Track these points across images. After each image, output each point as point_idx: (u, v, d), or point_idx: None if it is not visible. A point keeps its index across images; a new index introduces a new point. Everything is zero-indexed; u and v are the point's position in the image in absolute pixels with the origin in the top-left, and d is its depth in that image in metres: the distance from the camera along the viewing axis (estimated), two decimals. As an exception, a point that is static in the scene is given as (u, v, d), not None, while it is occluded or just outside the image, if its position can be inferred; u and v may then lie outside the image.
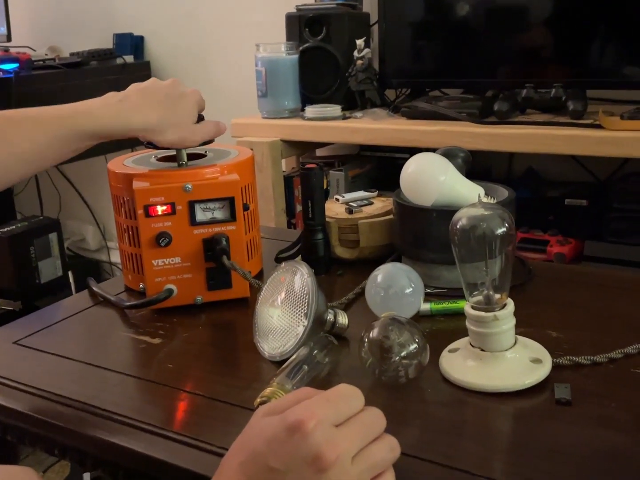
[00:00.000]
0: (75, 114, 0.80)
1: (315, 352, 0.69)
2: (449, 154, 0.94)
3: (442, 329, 0.80)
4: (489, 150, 1.40)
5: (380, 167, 1.73)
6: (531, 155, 1.65)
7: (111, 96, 0.83)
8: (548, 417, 0.61)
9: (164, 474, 0.60)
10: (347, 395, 0.52)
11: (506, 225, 0.66)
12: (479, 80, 1.59)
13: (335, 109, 1.58)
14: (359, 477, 0.49)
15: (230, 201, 0.83)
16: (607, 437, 0.58)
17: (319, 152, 1.78)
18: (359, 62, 1.59)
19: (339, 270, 0.97)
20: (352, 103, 1.66)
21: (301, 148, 1.69)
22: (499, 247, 0.66)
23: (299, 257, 0.98)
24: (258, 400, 0.61)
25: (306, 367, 0.67)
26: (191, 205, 0.82)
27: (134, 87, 0.84)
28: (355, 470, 0.48)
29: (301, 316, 0.71)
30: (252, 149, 0.98)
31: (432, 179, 0.87)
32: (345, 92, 1.65)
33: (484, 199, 0.83)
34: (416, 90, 1.69)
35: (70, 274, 2.01)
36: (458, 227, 0.66)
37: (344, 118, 1.58)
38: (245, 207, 0.86)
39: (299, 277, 0.73)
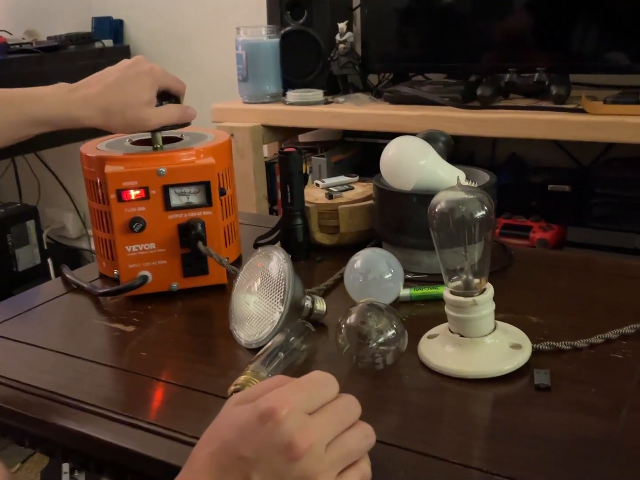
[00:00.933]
0: (26, 99, 0.80)
1: (292, 338, 0.67)
2: (430, 137, 0.92)
3: (421, 315, 0.78)
4: (472, 136, 1.39)
5: (363, 152, 1.72)
6: (514, 141, 1.64)
7: (63, 86, 0.83)
8: (527, 403, 0.61)
9: (135, 465, 0.58)
10: (321, 383, 0.51)
11: (486, 208, 0.64)
12: (462, 65, 1.57)
13: (317, 94, 1.56)
14: (333, 465, 0.47)
15: (206, 186, 0.81)
16: (586, 422, 0.57)
17: (302, 138, 1.75)
18: (341, 46, 1.56)
19: (318, 257, 0.95)
20: (335, 88, 1.64)
21: (283, 133, 1.66)
22: (478, 231, 0.64)
23: (278, 243, 0.96)
24: (232, 388, 0.59)
25: (282, 354, 0.65)
26: (165, 190, 0.80)
27: (94, 74, 0.83)
28: (328, 458, 0.47)
29: (277, 302, 0.70)
30: (232, 135, 0.96)
31: (413, 162, 0.86)
32: (327, 76, 1.63)
33: (465, 183, 0.82)
34: (399, 74, 1.67)
35: (50, 262, 1.98)
36: (436, 210, 0.65)
37: (326, 103, 1.56)
38: (222, 192, 0.84)
39: (276, 263, 0.72)
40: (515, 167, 1.59)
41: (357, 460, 0.49)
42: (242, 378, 0.60)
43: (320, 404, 0.49)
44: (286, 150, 0.91)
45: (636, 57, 1.37)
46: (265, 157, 1.66)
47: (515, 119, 1.31)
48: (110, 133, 0.88)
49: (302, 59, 1.63)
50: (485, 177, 0.91)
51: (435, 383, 0.64)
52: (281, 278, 0.70)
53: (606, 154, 1.51)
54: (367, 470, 0.50)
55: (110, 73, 0.83)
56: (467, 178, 0.90)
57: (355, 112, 1.48)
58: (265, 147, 1.64)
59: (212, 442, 0.48)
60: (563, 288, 0.83)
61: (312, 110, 1.53)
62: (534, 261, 0.92)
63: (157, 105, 0.83)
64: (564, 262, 0.92)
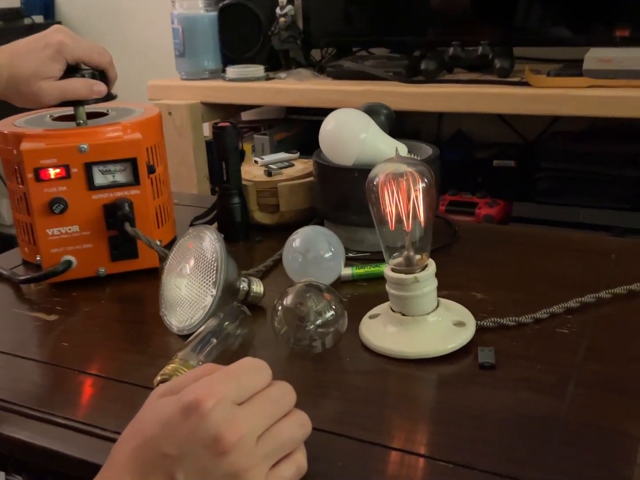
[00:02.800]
0: None
1: (226, 323, 0.63)
2: (371, 110, 0.89)
3: (364, 295, 0.75)
4: (417, 111, 1.37)
5: (308, 130, 1.67)
6: (460, 117, 1.62)
7: None
8: (472, 382, 0.58)
9: (53, 464, 0.53)
10: (251, 370, 0.47)
11: (426, 181, 0.61)
12: (406, 39, 1.54)
13: (258, 69, 1.51)
14: (265, 458, 0.44)
15: (133, 163, 0.76)
16: (532, 400, 0.55)
17: (245, 116, 1.70)
18: (282, 19, 1.51)
19: (258, 237, 0.91)
20: (276, 64, 1.59)
21: (224, 111, 1.61)
22: (419, 205, 0.61)
23: (216, 224, 0.92)
24: (158, 378, 0.55)
25: (215, 340, 0.61)
26: (88, 168, 0.74)
27: (14, 42, 0.77)
28: (260, 451, 0.44)
29: (209, 285, 0.66)
30: (170, 112, 0.90)
31: (353, 136, 0.82)
32: (268, 52, 1.57)
33: (405, 155, 0.79)
34: (342, 50, 1.63)
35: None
36: (374, 184, 0.61)
37: (268, 79, 1.51)
38: (151, 170, 0.79)
39: (207, 243, 0.67)
40: (461, 143, 1.57)
41: (291, 451, 0.46)
42: (169, 367, 0.56)
43: (251, 393, 0.46)
44: (220, 125, 0.86)
45: (578, 30, 1.36)
46: (206, 137, 1.60)
47: (459, 93, 1.29)
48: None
49: (241, 33, 1.57)
50: (428, 150, 0.88)
51: (376, 365, 0.62)
52: (213, 259, 0.66)
53: (551, 128, 1.50)
54: (303, 461, 0.46)
55: (24, 43, 0.77)
56: (410, 152, 0.87)
57: (298, 87, 1.44)
58: (205, 125, 1.58)
59: (134, 438, 0.44)
60: (508, 263, 0.81)
61: (253, 87, 1.48)
62: (478, 237, 0.90)
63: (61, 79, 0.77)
64: (508, 237, 0.91)
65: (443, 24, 1.53)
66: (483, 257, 0.83)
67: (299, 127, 1.67)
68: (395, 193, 0.61)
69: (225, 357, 0.60)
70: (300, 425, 0.47)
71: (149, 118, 0.82)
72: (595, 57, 1.21)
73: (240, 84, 1.49)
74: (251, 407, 0.45)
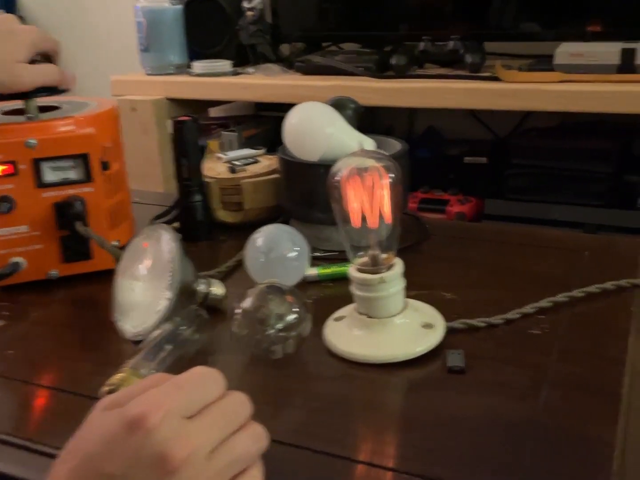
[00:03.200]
0: None
1: (183, 328, 0.60)
2: (339, 104, 0.86)
3: (330, 296, 0.72)
4: (389, 108, 1.34)
5: (277, 127, 1.62)
6: (431, 114, 1.60)
7: None
8: (441, 387, 0.55)
9: (-8, 484, 0.49)
10: (203, 380, 0.44)
11: (392, 176, 0.58)
12: (376, 34, 1.51)
13: (225, 64, 1.47)
14: (218, 476, 0.41)
15: (85, 159, 0.72)
16: (503, 404, 0.52)
17: (213, 113, 1.66)
18: (249, 13, 1.47)
19: (221, 236, 0.88)
20: (244, 59, 1.55)
21: (191, 107, 1.56)
22: (385, 202, 0.58)
23: (177, 222, 0.88)
24: (105, 389, 0.51)
25: (169, 346, 0.57)
26: (37, 164, 0.70)
27: None
28: (212, 468, 0.40)
29: (164, 288, 0.62)
30: (134, 108, 0.86)
31: (319, 131, 0.79)
32: (236, 47, 1.53)
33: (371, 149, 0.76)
34: (311, 44, 1.60)
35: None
36: (337, 179, 0.58)
37: (235, 74, 1.47)
38: (105, 166, 0.75)
39: (163, 243, 0.64)
40: (432, 140, 1.55)
41: (247, 467, 0.42)
42: (117, 377, 0.52)
43: (202, 405, 0.42)
44: (180, 118, 0.82)
45: (549, 25, 1.34)
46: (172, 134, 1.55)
47: (430, 88, 1.27)
48: None
49: (208, 28, 1.53)
50: (397, 146, 0.86)
51: (341, 370, 0.58)
52: (167, 260, 0.62)
53: (522, 125, 1.49)
54: (259, 478, 0.43)
55: None
56: (379, 147, 0.84)
57: (266, 83, 1.40)
58: (170, 122, 1.54)
59: (74, 457, 0.40)
60: (479, 261, 0.78)
61: (220, 82, 1.44)
62: (448, 234, 0.87)
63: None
64: (479, 234, 0.88)
65: (414, 19, 1.50)
66: (453, 256, 0.80)
67: (269, 124, 1.63)
68: (359, 189, 0.58)
69: (181, 364, 0.57)
70: (256, 438, 0.43)
71: (103, 112, 0.78)
72: (567, 51, 1.19)
73: (206, 79, 1.45)
74: (202, 421, 0.41)
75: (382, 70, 1.38)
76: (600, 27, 1.25)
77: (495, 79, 1.23)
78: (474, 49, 1.32)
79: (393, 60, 1.36)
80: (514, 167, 1.33)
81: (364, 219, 0.59)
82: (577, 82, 1.16)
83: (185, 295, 0.64)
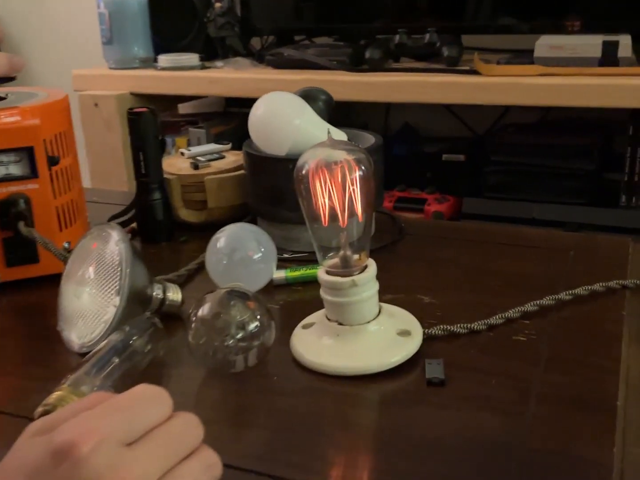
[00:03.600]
0: None
1: (134, 338, 0.54)
2: (308, 95, 0.80)
3: (299, 300, 0.67)
4: (364, 103, 1.29)
5: (247, 124, 1.57)
6: (407, 110, 1.56)
7: None
8: (418, 401, 0.50)
9: None
10: (145, 400, 0.38)
11: (363, 169, 0.53)
12: (349, 27, 1.46)
13: (192, 58, 1.41)
14: (162, 513, 0.35)
15: (29, 152, 0.65)
16: (486, 421, 0.47)
17: (182, 109, 1.59)
18: (218, 5, 1.41)
19: (183, 237, 0.82)
20: (213, 52, 1.49)
21: (158, 103, 1.48)
22: (356, 198, 0.53)
23: (135, 223, 0.82)
24: (39, 409, 0.45)
25: (117, 359, 0.51)
26: (-26, 158, 0.64)
27: None
28: (155, 503, 0.34)
29: (112, 294, 0.56)
30: (96, 104, 0.80)
31: (286, 122, 0.74)
32: (204, 39, 1.47)
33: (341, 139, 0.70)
34: (283, 38, 1.54)
35: None
36: (304, 173, 0.53)
37: (203, 68, 1.41)
38: (53, 161, 0.69)
39: (111, 244, 0.58)
40: (409, 137, 1.50)
41: (197, 500, 0.37)
42: (54, 395, 0.46)
43: (144, 430, 0.36)
44: (136, 110, 0.76)
45: (528, 17, 1.30)
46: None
47: (406, 82, 1.22)
48: None
49: (175, 20, 1.47)
50: (371, 139, 0.80)
51: (309, 383, 0.53)
52: (116, 263, 0.56)
53: (501, 121, 1.45)
54: (211, 512, 0.37)
55: None
56: (352, 141, 0.79)
57: (235, 77, 1.34)
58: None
59: (-5, 490, 0.34)
60: (458, 262, 0.73)
61: (187, 76, 1.37)
62: (425, 234, 0.82)
63: None
64: (458, 233, 0.83)
65: (389, 11, 1.45)
66: (431, 256, 0.75)
67: (238, 121, 1.57)
68: (327, 183, 0.52)
69: (132, 378, 0.51)
70: (206, 466, 0.38)
71: (51, 102, 0.72)
72: (547, 44, 1.15)
73: (173, 73, 1.39)
74: (144, 448, 0.35)
75: (356, 64, 1.33)
76: (580, 19, 1.21)
77: (473, 72, 1.19)
78: (451, 42, 1.27)
79: (367, 54, 1.31)
80: (493, 164, 1.29)
81: (333, 216, 0.53)
82: (558, 75, 1.12)
83: (137, 302, 0.58)
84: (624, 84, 1.06)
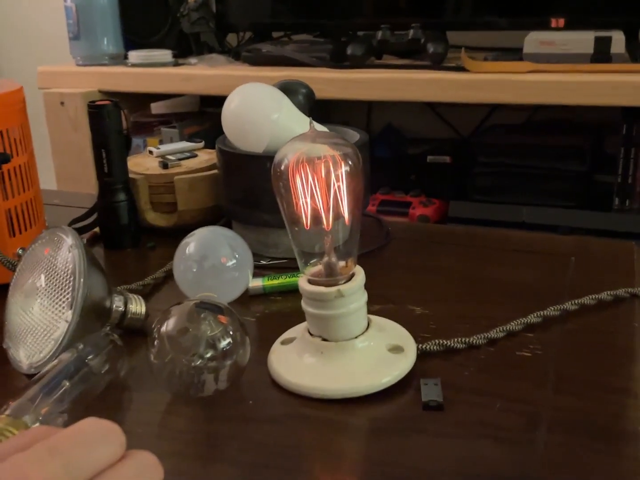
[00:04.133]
0: None
1: (89, 357, 0.47)
2: (287, 89, 0.74)
3: (277, 312, 0.61)
4: (344, 100, 1.23)
5: (223, 125, 1.51)
6: (390, 110, 1.50)
7: None
8: (413, 429, 0.44)
9: None
10: (91, 439, 0.31)
11: (351, 164, 0.47)
12: (330, 23, 1.40)
13: (165, 54, 1.34)
14: None
15: (-27, 148, 0.58)
16: (490, 453, 0.41)
17: (154, 109, 1.52)
18: (192, -1, 1.35)
19: (150, 242, 0.75)
20: (187, 49, 1.42)
21: (129, 102, 1.42)
22: (342, 197, 0.47)
23: (97, 228, 0.75)
24: (-30, 446, 0.38)
25: (68, 382, 0.45)
26: None
27: None
28: None
29: (64, 307, 0.49)
30: (62, 102, 0.73)
31: (263, 117, 0.67)
32: (177, 35, 1.40)
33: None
34: (260, 34, 1.47)
35: None
36: (283, 168, 0.47)
37: (176, 65, 1.34)
38: (3, 159, 0.62)
39: (63, 250, 0.51)
40: (392, 139, 1.45)
41: None
42: (-11, 429, 0.39)
43: (90, 474, 0.30)
44: (98, 103, 0.69)
45: (513, 13, 1.25)
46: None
47: (390, 78, 1.16)
48: None
49: (146, 14, 1.40)
50: (355, 136, 0.74)
51: (289, 409, 0.47)
52: (68, 272, 0.49)
53: (486, 122, 1.40)
54: None
55: None
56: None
57: (210, 73, 1.28)
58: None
59: None
60: (450, 269, 0.68)
61: (159, 73, 1.30)
62: (414, 238, 0.76)
63: None
64: (448, 238, 0.77)
65: (371, 6, 1.40)
66: (421, 263, 0.69)
67: (214, 121, 1.50)
68: (310, 180, 0.46)
69: (84, 405, 0.44)
70: (168, 518, 0.31)
71: (2, 94, 0.65)
72: (536, 39, 1.10)
73: (144, 70, 1.32)
74: (89, 497, 0.29)
75: (337, 61, 1.27)
76: (568, 16, 1.17)
77: (460, 69, 1.13)
78: (436, 38, 1.22)
79: (349, 51, 1.25)
80: (480, 166, 1.24)
81: (316, 218, 0.47)
82: (548, 72, 1.07)
83: (93, 316, 0.51)
84: (617, 81, 1.02)
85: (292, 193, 0.47)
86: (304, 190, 0.46)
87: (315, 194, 0.47)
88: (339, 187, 0.47)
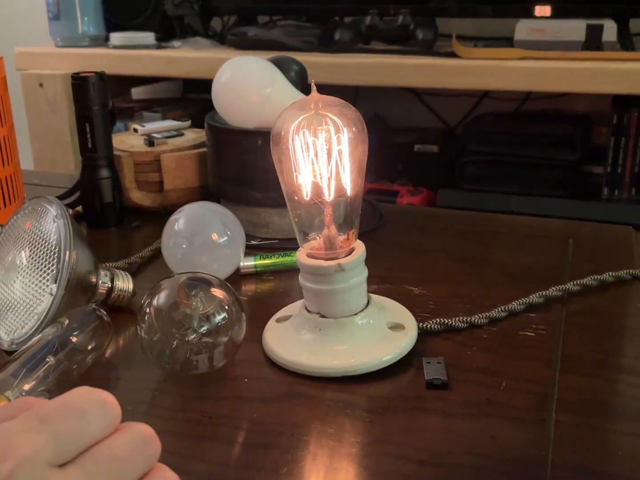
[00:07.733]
0: None
1: (75, 333, 0.44)
2: (279, 64, 0.72)
3: (270, 291, 0.59)
4: (332, 85, 1.20)
5: (206, 110, 1.47)
6: (376, 99, 1.48)
7: None
8: (417, 409, 0.42)
9: None
10: (84, 408, 0.29)
11: (354, 130, 0.45)
12: (317, 7, 1.37)
13: (147, 36, 1.31)
14: None
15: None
16: (502, 434, 0.40)
17: (135, 94, 1.49)
18: (176, -20, 1.32)
19: (135, 221, 0.72)
20: (170, 32, 1.39)
21: (110, 86, 1.39)
22: (346, 164, 0.45)
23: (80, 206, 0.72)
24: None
25: (52, 358, 0.42)
26: None
27: None
28: None
29: (48, 281, 0.46)
30: (41, 84, 0.70)
31: (254, 91, 0.65)
32: (160, 18, 1.37)
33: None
34: (246, 18, 1.44)
35: None
36: (282, 134, 0.44)
37: (159, 47, 1.31)
38: (-18, 128, 0.59)
39: (47, 221, 0.48)
40: (378, 128, 1.43)
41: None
42: (-32, 404, 0.36)
43: (81, 448, 0.27)
44: (82, 74, 0.66)
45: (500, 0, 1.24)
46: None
47: (379, 63, 1.14)
48: None
49: (129, -4, 1.36)
50: (348, 115, 0.72)
51: (285, 387, 0.44)
52: (53, 243, 0.46)
53: (474, 112, 1.38)
54: None
55: None
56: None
57: (194, 56, 1.25)
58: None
59: None
60: (447, 251, 0.66)
61: (141, 55, 1.27)
62: (407, 221, 0.75)
63: None
64: (442, 221, 0.76)
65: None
66: (416, 245, 0.68)
67: (197, 107, 1.47)
68: (311, 148, 0.44)
69: (69, 382, 0.42)
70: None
71: (-22, 61, 0.62)
72: (528, 26, 1.09)
73: (125, 52, 1.28)
74: (80, 471, 0.27)
75: (324, 46, 1.25)
76: (554, 3, 1.15)
77: (450, 55, 1.12)
78: (426, 24, 1.20)
79: (337, 36, 1.23)
80: (468, 155, 1.22)
81: (317, 188, 0.45)
82: (540, 59, 1.06)
83: (78, 291, 0.48)
84: (608, 69, 1.01)
85: (292, 161, 0.44)
86: (304, 157, 0.44)
87: (316, 162, 0.44)
88: (340, 153, 0.45)
